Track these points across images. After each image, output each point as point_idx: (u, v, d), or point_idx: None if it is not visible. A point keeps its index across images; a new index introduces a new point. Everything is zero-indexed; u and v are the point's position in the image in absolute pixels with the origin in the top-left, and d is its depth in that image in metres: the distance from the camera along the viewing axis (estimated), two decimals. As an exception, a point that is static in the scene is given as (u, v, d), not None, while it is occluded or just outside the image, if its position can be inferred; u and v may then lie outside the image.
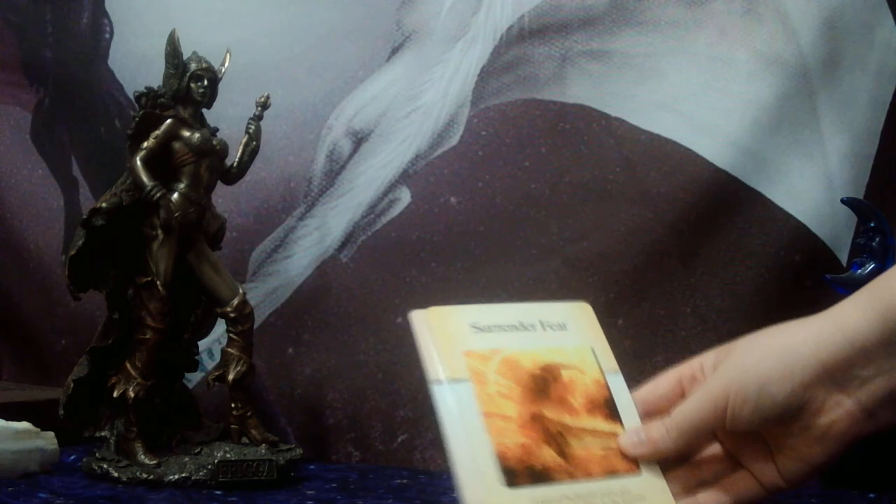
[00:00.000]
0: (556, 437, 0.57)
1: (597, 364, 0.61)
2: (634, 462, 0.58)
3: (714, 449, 0.61)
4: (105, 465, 0.84)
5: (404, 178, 1.04)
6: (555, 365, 0.60)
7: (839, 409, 0.54)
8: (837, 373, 0.54)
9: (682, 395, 0.60)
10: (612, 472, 0.57)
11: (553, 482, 0.55)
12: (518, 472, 0.54)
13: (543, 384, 0.59)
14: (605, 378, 0.61)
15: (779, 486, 0.58)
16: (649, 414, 0.60)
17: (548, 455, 0.56)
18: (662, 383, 0.61)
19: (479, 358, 0.58)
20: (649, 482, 0.58)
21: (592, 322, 0.63)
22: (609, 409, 0.60)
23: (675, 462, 0.59)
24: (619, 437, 0.59)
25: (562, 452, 0.56)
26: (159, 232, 0.86)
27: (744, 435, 0.58)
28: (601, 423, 0.59)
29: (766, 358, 0.55)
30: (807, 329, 0.56)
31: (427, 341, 0.58)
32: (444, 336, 0.58)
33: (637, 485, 0.57)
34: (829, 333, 0.54)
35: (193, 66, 0.88)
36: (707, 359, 0.60)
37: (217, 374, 0.89)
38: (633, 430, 0.59)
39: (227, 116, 0.94)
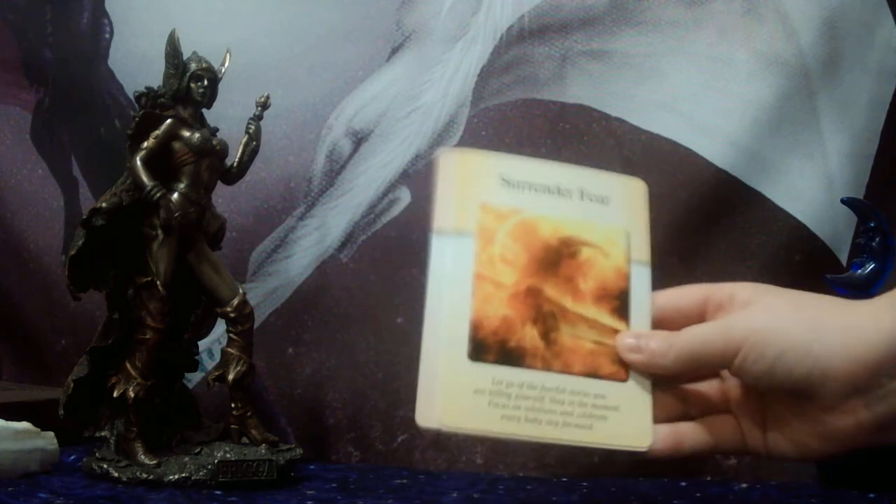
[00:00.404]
0: (547, 318, 0.51)
1: (625, 250, 0.55)
2: (624, 368, 0.52)
3: (712, 383, 0.56)
4: (105, 465, 0.84)
5: (404, 178, 1.04)
6: (577, 240, 0.54)
7: (851, 417, 0.50)
8: (862, 377, 0.49)
9: (702, 316, 0.55)
10: (594, 373, 0.51)
11: (522, 367, 0.50)
12: (488, 347, 0.49)
13: (556, 257, 0.53)
14: (629, 267, 0.54)
15: (759, 452, 0.54)
16: (660, 323, 0.55)
17: (528, 335, 0.51)
18: (687, 297, 0.56)
19: (495, 214, 0.52)
20: (632, 394, 0.52)
21: (640, 203, 0.57)
22: (620, 303, 0.53)
23: (667, 381, 0.54)
24: (618, 335, 0.53)
25: (546, 336, 0.51)
26: (159, 232, 0.85)
27: (749, 389, 0.54)
28: (605, 316, 0.53)
29: (795, 326, 0.51)
30: (841, 315, 0.51)
31: (445, 185, 0.52)
32: (465, 182, 0.52)
33: (617, 393, 0.52)
34: (863, 328, 0.50)
35: (193, 66, 0.88)
36: (742, 290, 0.54)
37: (217, 374, 0.89)
38: (632, 333, 0.53)
39: (227, 116, 0.94)
